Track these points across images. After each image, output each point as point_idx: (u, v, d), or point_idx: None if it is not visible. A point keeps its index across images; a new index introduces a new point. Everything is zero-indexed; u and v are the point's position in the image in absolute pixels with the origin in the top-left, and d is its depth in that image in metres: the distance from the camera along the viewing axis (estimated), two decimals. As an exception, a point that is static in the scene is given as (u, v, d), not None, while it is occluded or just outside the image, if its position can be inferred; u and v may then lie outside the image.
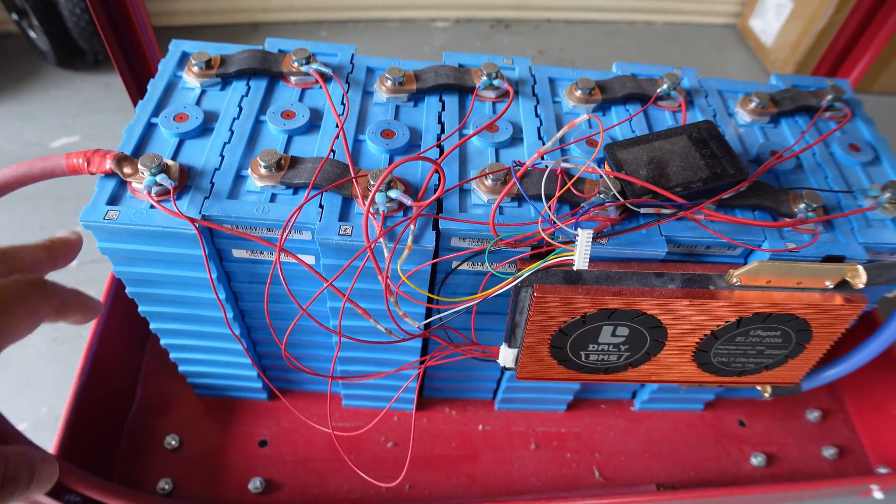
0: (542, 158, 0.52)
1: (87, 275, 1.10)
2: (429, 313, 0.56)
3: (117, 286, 0.76)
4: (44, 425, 0.89)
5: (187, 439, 0.74)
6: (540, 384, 0.72)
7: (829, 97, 0.65)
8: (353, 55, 0.63)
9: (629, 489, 0.73)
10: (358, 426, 0.75)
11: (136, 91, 0.77)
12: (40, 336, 1.01)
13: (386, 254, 0.46)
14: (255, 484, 0.70)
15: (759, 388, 0.62)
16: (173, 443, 0.73)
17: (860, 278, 0.49)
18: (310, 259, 0.52)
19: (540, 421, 0.79)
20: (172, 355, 0.68)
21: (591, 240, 0.44)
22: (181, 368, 0.71)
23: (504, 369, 0.58)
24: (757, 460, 0.80)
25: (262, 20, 1.55)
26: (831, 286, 0.50)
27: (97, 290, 1.07)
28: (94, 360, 0.71)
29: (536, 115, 0.59)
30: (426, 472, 0.73)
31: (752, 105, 0.63)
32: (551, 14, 1.69)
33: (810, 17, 1.55)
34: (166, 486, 0.70)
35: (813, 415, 0.85)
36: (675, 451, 0.79)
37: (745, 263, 0.51)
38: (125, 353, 0.78)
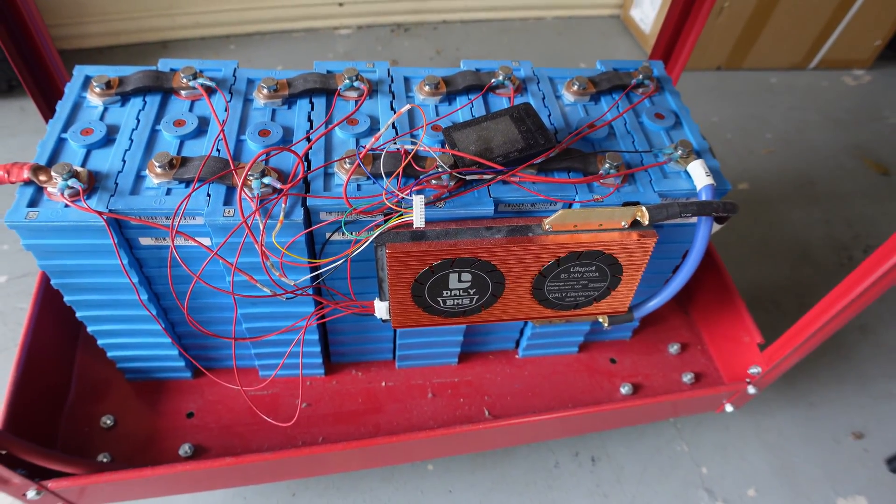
0: (395, 144, 0.64)
1: (17, 289, 1.17)
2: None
3: (45, 287, 0.84)
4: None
5: (121, 418, 0.83)
6: (426, 339, 0.84)
7: (640, 76, 0.79)
8: (235, 69, 0.73)
9: (509, 417, 0.85)
10: (274, 392, 0.86)
11: (49, 112, 0.86)
12: (-24, 349, 1.08)
13: (261, 227, 0.57)
14: (184, 449, 0.80)
15: (599, 319, 0.75)
16: (108, 422, 0.82)
17: (645, 216, 0.62)
18: (206, 241, 0.63)
19: (436, 374, 0.91)
20: (100, 341, 0.77)
21: (423, 203, 0.56)
22: (109, 354, 0.80)
23: (382, 321, 0.69)
24: (625, 389, 0.94)
25: (171, 38, 1.62)
26: (626, 225, 0.64)
27: (27, 302, 1.15)
28: (29, 355, 0.79)
29: (392, 109, 0.70)
30: (337, 425, 0.84)
31: (575, 88, 0.76)
32: (447, 16, 1.82)
33: (675, 5, 1.71)
34: (104, 459, 0.79)
35: (674, 348, 1.00)
36: (554, 388, 0.92)
37: (561, 215, 0.64)
38: (58, 349, 0.86)
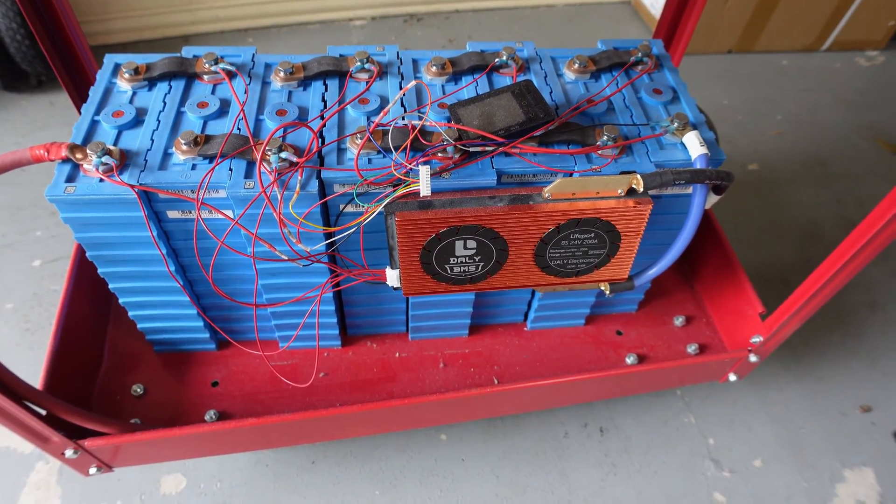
0: (403, 119, 0.68)
1: (50, 272, 1.23)
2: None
3: (79, 267, 0.89)
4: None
5: (150, 387, 0.88)
6: (437, 311, 0.88)
7: (639, 54, 0.82)
8: (253, 55, 0.78)
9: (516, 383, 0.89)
10: (293, 363, 0.90)
11: (81, 101, 0.91)
12: (12, 328, 1.14)
13: (279, 198, 0.61)
14: (209, 415, 0.85)
15: (601, 287, 0.79)
16: (139, 390, 0.87)
17: (640, 184, 0.66)
18: (229, 213, 0.67)
19: (447, 345, 0.95)
20: (130, 313, 0.82)
21: (429, 172, 0.60)
22: (140, 326, 0.85)
23: (394, 289, 0.73)
24: (630, 359, 0.97)
25: (192, 32, 1.68)
26: (622, 193, 0.67)
27: (59, 284, 1.21)
28: (65, 328, 0.84)
29: (401, 89, 0.74)
30: (353, 393, 0.89)
31: (576, 66, 0.79)
32: (459, 5, 1.86)
33: (684, -10, 1.73)
34: (135, 423, 0.84)
35: (679, 320, 1.03)
36: (561, 358, 0.96)
37: (561, 185, 0.67)
38: (91, 325, 0.91)
